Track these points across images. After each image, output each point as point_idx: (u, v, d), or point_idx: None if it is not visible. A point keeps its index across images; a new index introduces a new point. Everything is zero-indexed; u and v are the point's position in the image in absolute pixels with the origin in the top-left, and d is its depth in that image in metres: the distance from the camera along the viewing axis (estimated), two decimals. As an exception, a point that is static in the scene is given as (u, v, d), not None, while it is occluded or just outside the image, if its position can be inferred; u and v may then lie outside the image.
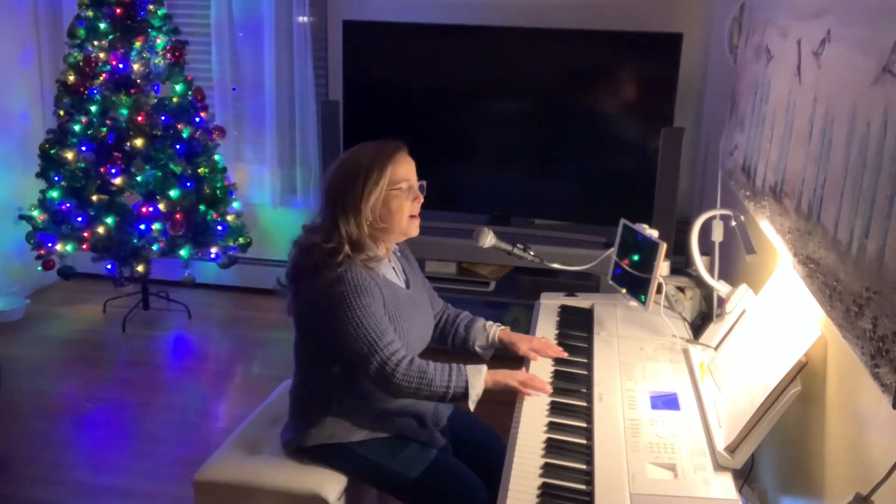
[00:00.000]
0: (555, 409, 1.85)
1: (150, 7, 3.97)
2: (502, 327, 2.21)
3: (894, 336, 1.09)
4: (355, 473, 2.07)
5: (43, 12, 4.50)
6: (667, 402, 1.82)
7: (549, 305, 2.45)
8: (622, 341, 2.16)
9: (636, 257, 2.14)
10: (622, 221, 2.24)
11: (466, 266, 4.00)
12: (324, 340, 1.97)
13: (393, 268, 2.09)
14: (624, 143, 3.79)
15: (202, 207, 4.09)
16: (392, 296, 1.98)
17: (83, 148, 3.94)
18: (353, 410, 2.03)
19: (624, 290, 2.20)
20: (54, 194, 3.99)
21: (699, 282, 2.25)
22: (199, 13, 4.38)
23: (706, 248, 2.20)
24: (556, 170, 3.92)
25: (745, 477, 1.81)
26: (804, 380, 1.57)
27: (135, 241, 3.98)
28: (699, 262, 2.16)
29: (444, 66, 3.93)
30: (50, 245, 4.06)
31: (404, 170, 1.98)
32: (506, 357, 2.17)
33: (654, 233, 2.13)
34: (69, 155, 3.93)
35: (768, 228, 1.83)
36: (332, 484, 2.03)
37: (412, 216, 2.02)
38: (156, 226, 3.97)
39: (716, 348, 1.99)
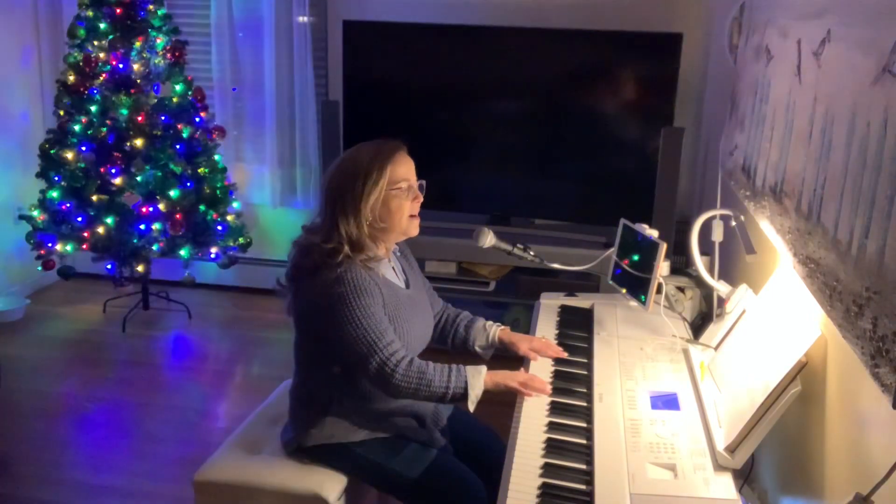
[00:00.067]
0: (555, 409, 1.85)
1: (150, 7, 3.97)
2: (502, 327, 2.21)
3: (894, 336, 1.09)
4: (355, 473, 2.07)
5: (43, 12, 4.50)
6: (667, 402, 1.82)
7: (549, 305, 2.45)
8: (622, 341, 2.16)
9: (636, 257, 2.14)
10: (622, 221, 2.23)
11: (466, 266, 4.00)
12: (323, 341, 1.97)
13: (393, 268, 2.09)
14: (624, 142, 3.79)
15: (202, 207, 4.10)
16: (392, 296, 1.98)
17: (83, 148, 3.94)
18: (353, 410, 2.03)
19: (624, 290, 2.20)
20: (54, 194, 3.99)
21: (699, 282, 2.25)
22: (199, 13, 4.38)
23: (706, 248, 2.20)
24: (556, 170, 3.92)
25: (745, 477, 1.81)
26: (804, 380, 1.57)
27: (135, 241, 3.99)
28: (699, 262, 2.16)
29: (444, 66, 3.93)
30: (50, 245, 4.06)
31: (404, 169, 1.98)
32: (506, 357, 2.17)
33: (654, 233, 2.13)
34: (69, 155, 3.93)
35: (768, 228, 1.83)
36: (332, 484, 2.03)
37: (412, 216, 2.02)
38: (156, 226, 3.97)
39: (716, 348, 1.99)
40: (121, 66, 3.92)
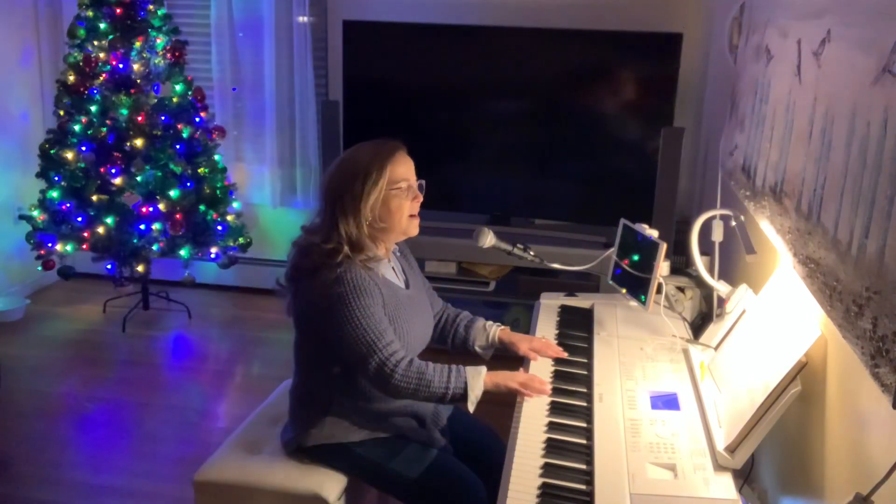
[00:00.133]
0: (555, 409, 1.85)
1: (150, 7, 3.97)
2: (502, 327, 2.21)
3: (894, 336, 1.09)
4: (355, 473, 2.07)
5: (43, 12, 4.50)
6: (667, 402, 1.82)
7: (549, 305, 2.45)
8: (622, 341, 2.16)
9: (636, 257, 2.14)
10: (622, 221, 2.23)
11: (466, 266, 4.00)
12: (323, 341, 1.96)
13: (392, 268, 2.09)
14: (624, 143, 3.79)
15: (202, 207, 4.10)
16: (391, 296, 1.98)
17: (83, 148, 3.94)
18: (353, 410, 2.03)
19: (624, 290, 2.20)
20: (54, 194, 3.99)
21: (699, 282, 2.25)
22: (199, 13, 4.38)
23: (706, 248, 2.19)
24: (556, 170, 3.92)
25: (745, 477, 1.81)
26: (804, 380, 1.57)
27: (135, 241, 3.99)
28: (699, 262, 2.16)
29: (444, 66, 3.93)
30: (50, 245, 4.06)
31: (403, 169, 1.98)
32: (506, 357, 2.17)
33: (654, 233, 2.13)
34: (69, 155, 3.93)
35: (768, 228, 1.83)
36: (332, 484, 2.03)
37: (412, 215, 2.02)
38: (156, 226, 3.97)
39: (716, 348, 1.99)
40: (121, 66, 3.92)
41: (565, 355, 2.10)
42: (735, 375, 1.77)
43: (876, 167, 1.19)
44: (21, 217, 4.16)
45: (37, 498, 2.82)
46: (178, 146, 4.01)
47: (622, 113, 3.78)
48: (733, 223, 2.09)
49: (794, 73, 1.70)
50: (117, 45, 3.90)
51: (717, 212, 2.16)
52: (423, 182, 2.03)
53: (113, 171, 3.92)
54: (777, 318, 1.73)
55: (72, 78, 3.93)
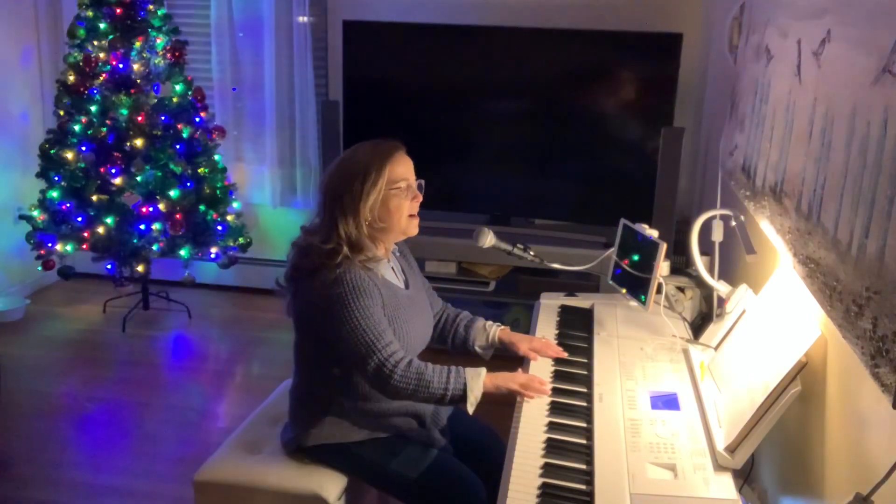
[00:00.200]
0: (555, 409, 1.85)
1: (150, 7, 3.97)
2: (502, 327, 2.21)
3: (894, 336, 1.09)
4: (355, 473, 2.07)
5: (43, 12, 4.50)
6: (667, 402, 1.82)
7: (549, 305, 2.45)
8: (622, 341, 2.16)
9: (636, 257, 2.14)
10: (622, 221, 2.23)
11: (466, 266, 4.00)
12: (323, 341, 1.96)
13: (392, 268, 2.09)
14: (624, 142, 3.79)
15: (202, 207, 4.10)
16: (391, 296, 1.98)
17: (83, 148, 3.94)
18: (353, 410, 2.03)
19: (624, 290, 2.20)
20: (54, 194, 3.99)
21: (699, 282, 2.25)
22: (199, 13, 4.38)
23: (706, 248, 2.19)
24: (556, 170, 3.92)
25: (745, 477, 1.81)
26: (804, 380, 1.57)
27: (135, 241, 3.99)
28: (699, 262, 2.16)
29: (444, 66, 3.93)
30: (50, 245, 4.06)
31: (402, 169, 1.98)
32: (506, 357, 2.17)
33: (654, 233, 2.13)
34: (69, 155, 3.94)
35: (768, 228, 1.83)
36: (332, 484, 2.03)
37: (411, 215, 2.01)
38: (156, 226, 3.97)
39: (716, 348, 1.99)
40: (121, 66, 3.92)
41: (565, 355, 2.10)
42: (735, 375, 1.77)
43: (876, 167, 1.19)
44: (21, 217, 4.16)
45: (37, 498, 2.82)
46: (178, 146, 4.01)
47: (622, 113, 3.78)
48: (733, 223, 2.09)
49: (794, 73, 1.70)
50: (117, 45, 3.90)
51: (717, 212, 2.16)
52: (423, 182, 2.03)
53: (113, 171, 3.92)
54: (777, 318, 1.72)
55: (72, 78, 3.93)
